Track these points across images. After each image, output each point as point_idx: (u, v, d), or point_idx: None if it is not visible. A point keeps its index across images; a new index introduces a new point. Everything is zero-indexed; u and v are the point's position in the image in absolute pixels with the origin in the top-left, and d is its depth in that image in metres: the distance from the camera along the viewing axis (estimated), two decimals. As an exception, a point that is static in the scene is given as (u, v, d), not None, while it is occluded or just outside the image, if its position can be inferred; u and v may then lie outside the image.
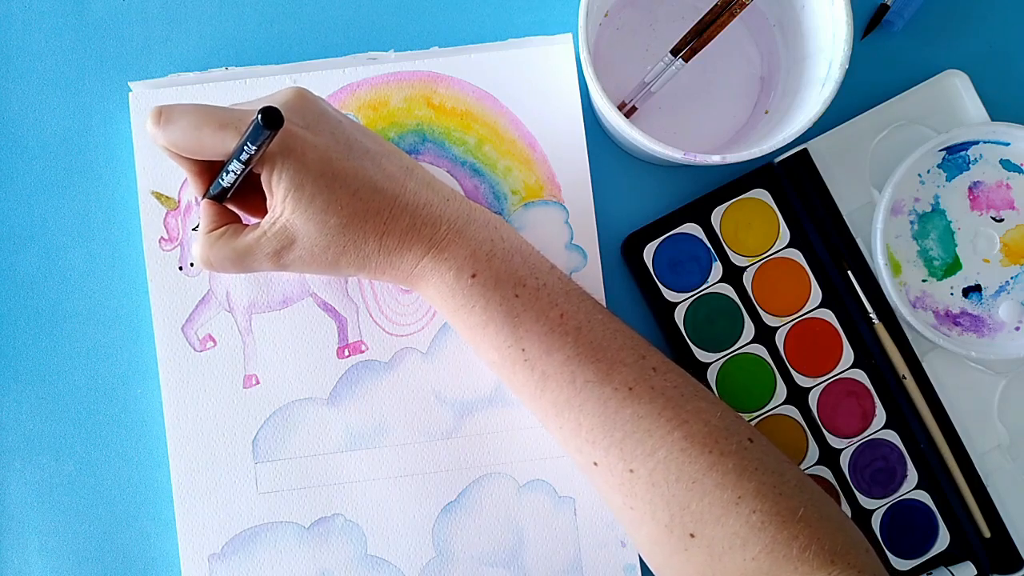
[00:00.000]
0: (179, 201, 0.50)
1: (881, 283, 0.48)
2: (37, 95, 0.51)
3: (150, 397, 0.50)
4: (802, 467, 0.49)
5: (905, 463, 0.49)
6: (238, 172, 0.40)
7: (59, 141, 0.51)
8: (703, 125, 0.51)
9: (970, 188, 0.50)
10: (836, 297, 0.50)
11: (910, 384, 0.49)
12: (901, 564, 0.49)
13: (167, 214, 0.50)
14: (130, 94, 0.50)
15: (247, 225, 0.43)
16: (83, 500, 0.50)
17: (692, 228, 0.50)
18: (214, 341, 0.49)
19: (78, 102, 0.51)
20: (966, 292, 0.50)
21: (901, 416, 0.49)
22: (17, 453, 0.50)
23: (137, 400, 0.50)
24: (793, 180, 0.49)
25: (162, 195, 0.50)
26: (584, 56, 0.43)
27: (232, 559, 0.48)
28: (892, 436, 0.49)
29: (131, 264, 0.50)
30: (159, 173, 0.50)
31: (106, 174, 0.51)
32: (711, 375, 0.49)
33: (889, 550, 0.49)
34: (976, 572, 0.48)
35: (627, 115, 0.48)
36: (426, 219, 0.42)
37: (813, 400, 0.50)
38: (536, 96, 0.50)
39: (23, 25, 0.51)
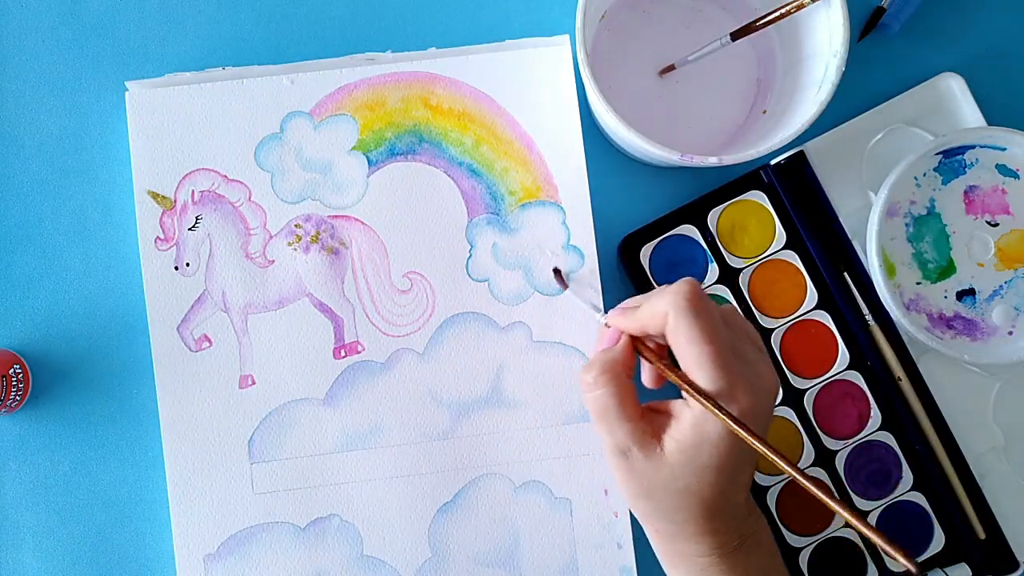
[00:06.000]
0: (175, 201, 0.49)
1: (875, 285, 0.48)
2: (33, 94, 0.51)
3: (146, 397, 0.50)
4: (798, 469, 0.49)
5: (900, 465, 0.49)
6: None
7: (55, 141, 0.51)
8: (700, 127, 0.51)
9: (966, 192, 0.50)
10: (832, 299, 0.50)
11: (905, 386, 0.49)
12: (896, 566, 0.49)
13: (163, 214, 0.49)
14: (126, 94, 0.50)
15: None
16: (78, 500, 0.50)
17: (689, 230, 0.50)
18: (210, 341, 0.49)
19: (74, 102, 0.51)
20: (960, 296, 0.50)
21: (897, 418, 0.49)
22: (12, 453, 0.50)
23: (133, 400, 0.50)
24: (789, 182, 0.49)
25: (158, 195, 0.49)
26: (581, 57, 0.43)
27: (228, 559, 0.48)
28: (887, 438, 0.50)
29: (127, 264, 0.50)
30: (155, 173, 0.49)
31: (102, 174, 0.51)
32: (707, 376, 0.49)
33: (884, 552, 0.49)
34: (971, 574, 0.49)
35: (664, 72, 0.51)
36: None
37: (809, 402, 0.50)
38: (533, 97, 0.50)
39: (20, 24, 0.51)
